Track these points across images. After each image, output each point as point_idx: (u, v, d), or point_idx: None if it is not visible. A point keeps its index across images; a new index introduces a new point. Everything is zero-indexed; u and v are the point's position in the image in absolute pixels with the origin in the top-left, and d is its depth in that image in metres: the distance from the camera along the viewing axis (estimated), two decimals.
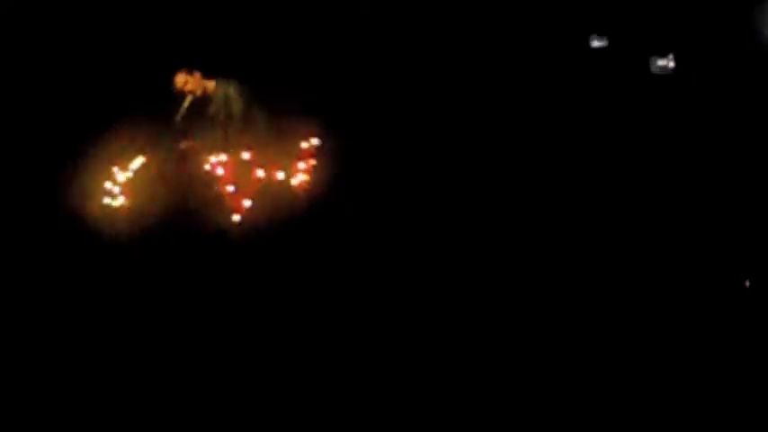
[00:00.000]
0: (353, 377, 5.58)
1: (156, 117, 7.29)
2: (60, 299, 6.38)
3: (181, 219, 6.90)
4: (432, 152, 7.24)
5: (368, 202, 6.94)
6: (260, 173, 6.83)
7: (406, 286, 6.28)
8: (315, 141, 7.12)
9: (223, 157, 6.93)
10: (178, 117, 7.19)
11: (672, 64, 7.83)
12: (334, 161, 7.04)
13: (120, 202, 7.04)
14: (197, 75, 7.16)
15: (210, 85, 7.20)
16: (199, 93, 7.17)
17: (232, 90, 7.19)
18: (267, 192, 6.83)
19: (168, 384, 5.64)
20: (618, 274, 6.27)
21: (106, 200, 7.04)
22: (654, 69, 7.81)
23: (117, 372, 5.75)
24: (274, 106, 7.22)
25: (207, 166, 6.92)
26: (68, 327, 6.16)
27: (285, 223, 6.72)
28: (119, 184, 7.09)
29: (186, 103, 7.17)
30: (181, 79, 7.14)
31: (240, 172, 6.85)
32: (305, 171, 6.99)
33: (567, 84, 7.65)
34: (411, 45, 7.73)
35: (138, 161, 7.19)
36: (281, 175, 6.83)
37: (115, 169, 7.11)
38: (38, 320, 6.21)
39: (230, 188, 6.80)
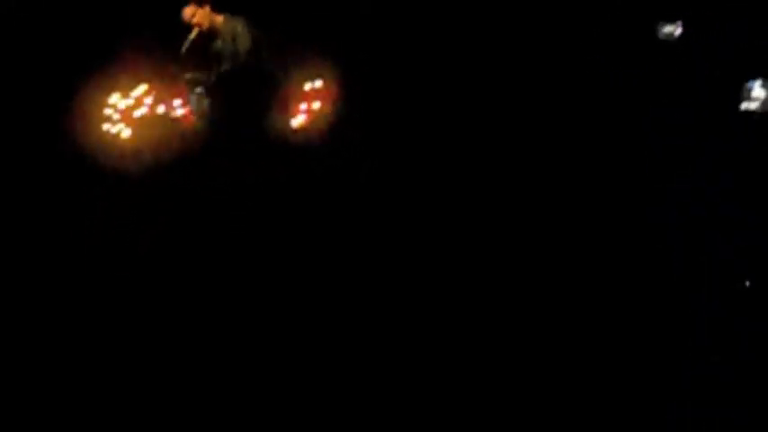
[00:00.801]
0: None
1: (162, 47, 7.26)
2: (59, 231, 6.37)
3: (178, 151, 6.91)
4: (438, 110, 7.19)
5: (368, 154, 6.92)
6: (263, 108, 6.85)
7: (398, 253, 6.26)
8: (318, 84, 7.12)
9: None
10: (183, 48, 7.15)
11: (679, 30, 7.74)
12: (337, 105, 7.02)
13: (119, 128, 7.04)
14: (206, 7, 7.11)
15: (219, 19, 7.15)
16: (206, 26, 7.13)
17: (240, 27, 7.14)
18: (266, 131, 6.84)
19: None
20: (618, 274, 6.24)
21: (105, 126, 7.06)
22: (660, 35, 7.71)
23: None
24: (281, 47, 7.20)
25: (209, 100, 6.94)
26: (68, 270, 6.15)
27: (282, 166, 6.72)
28: (119, 111, 7.10)
29: (192, 35, 7.13)
30: (189, 10, 7.09)
31: (242, 109, 6.87)
32: (306, 112, 6.98)
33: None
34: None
35: (141, 89, 7.19)
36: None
37: (116, 96, 7.13)
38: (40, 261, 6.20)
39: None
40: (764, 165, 6.56)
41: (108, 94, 7.19)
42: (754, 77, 6.84)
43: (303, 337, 5.61)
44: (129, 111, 7.12)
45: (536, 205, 6.56)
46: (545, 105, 7.14)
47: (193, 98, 7.10)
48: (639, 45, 7.31)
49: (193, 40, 7.14)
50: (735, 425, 5.04)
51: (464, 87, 7.24)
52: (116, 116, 7.12)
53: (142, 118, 7.12)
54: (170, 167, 6.82)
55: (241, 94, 7.07)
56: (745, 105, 6.82)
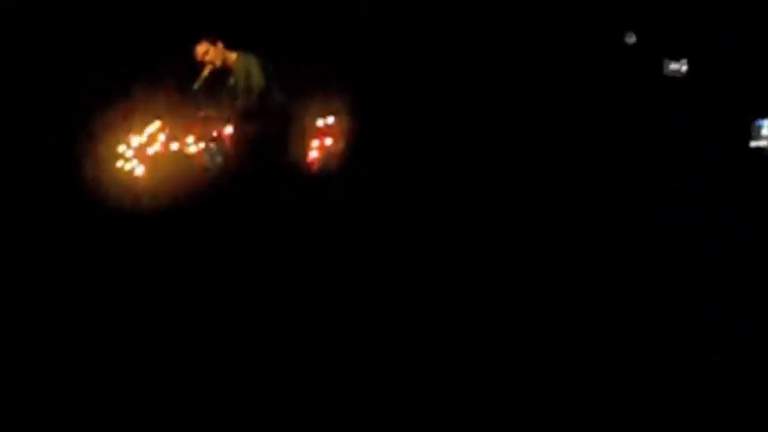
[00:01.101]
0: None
1: (175, 84, 7.32)
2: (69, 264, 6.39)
3: (192, 187, 6.94)
4: (444, 141, 7.24)
5: (378, 187, 6.95)
6: (274, 145, 6.90)
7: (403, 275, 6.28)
8: (330, 121, 7.17)
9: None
10: (196, 86, 7.21)
11: (685, 68, 7.82)
12: (349, 142, 7.07)
13: (132, 165, 7.07)
14: (219, 45, 7.17)
15: (232, 56, 7.22)
16: (219, 64, 7.19)
17: (253, 64, 7.20)
18: (279, 167, 6.88)
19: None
20: (617, 274, 6.28)
21: (119, 163, 7.10)
22: (667, 72, 7.78)
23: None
24: (294, 84, 7.26)
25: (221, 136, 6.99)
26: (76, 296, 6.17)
27: (293, 200, 6.74)
28: (132, 148, 7.14)
29: (205, 73, 7.19)
30: (202, 48, 7.15)
31: (255, 145, 6.92)
32: (319, 148, 7.04)
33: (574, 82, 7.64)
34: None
35: (154, 126, 7.23)
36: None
37: (129, 133, 7.17)
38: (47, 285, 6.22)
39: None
40: (764, 165, 6.65)
41: (121, 131, 7.23)
42: (763, 116, 6.97)
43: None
44: (142, 148, 7.16)
45: (536, 206, 6.66)
46: (546, 109, 7.25)
47: (207, 155, 7.14)
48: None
49: (206, 78, 7.21)
50: (735, 425, 5.00)
51: (474, 121, 7.31)
52: (129, 153, 7.17)
53: (156, 155, 7.15)
54: (183, 204, 6.85)
55: (254, 131, 7.12)
56: (754, 144, 6.92)
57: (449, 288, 6.14)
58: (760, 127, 6.88)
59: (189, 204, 6.84)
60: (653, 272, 6.19)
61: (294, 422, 5.32)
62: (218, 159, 7.07)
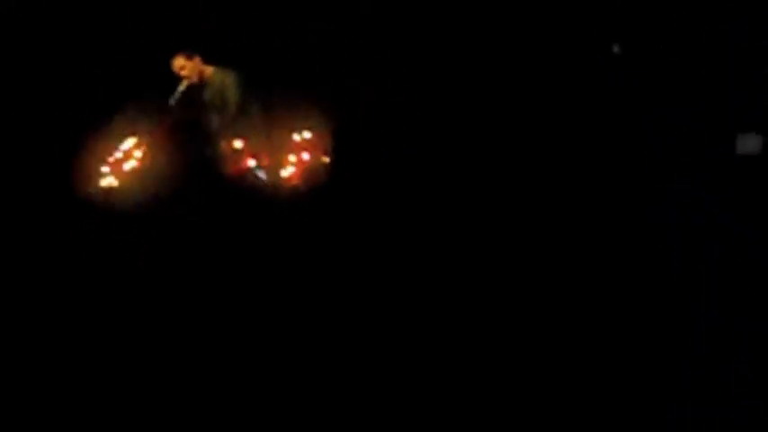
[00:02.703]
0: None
1: (150, 99, 7.29)
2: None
3: (168, 202, 6.90)
4: (429, 154, 7.22)
5: (357, 201, 6.93)
6: (251, 162, 6.85)
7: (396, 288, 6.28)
8: (307, 135, 7.14)
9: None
10: (172, 100, 7.17)
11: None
12: (326, 156, 7.04)
13: (108, 181, 7.03)
14: (196, 59, 7.14)
15: (208, 71, 7.19)
16: (195, 78, 7.16)
17: (229, 78, 7.18)
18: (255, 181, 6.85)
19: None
20: (617, 274, 6.19)
21: (95, 179, 7.06)
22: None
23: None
24: (271, 98, 7.24)
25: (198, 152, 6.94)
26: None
27: (269, 216, 6.71)
28: (108, 164, 7.10)
29: (182, 87, 7.16)
30: (179, 63, 7.12)
31: (231, 160, 6.88)
32: (295, 164, 6.99)
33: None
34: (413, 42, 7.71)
35: (129, 142, 7.19)
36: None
37: (106, 148, 7.13)
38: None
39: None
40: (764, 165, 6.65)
41: (97, 146, 7.19)
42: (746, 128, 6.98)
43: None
44: (118, 163, 7.12)
45: (536, 206, 6.65)
46: (547, 113, 7.22)
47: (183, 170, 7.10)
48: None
49: (183, 92, 7.18)
50: (735, 425, 5.00)
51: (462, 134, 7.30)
52: (106, 169, 7.12)
53: (132, 170, 7.11)
54: (158, 219, 6.82)
55: (229, 145, 7.09)
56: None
57: (447, 292, 6.08)
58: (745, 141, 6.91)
59: (166, 221, 6.82)
60: (653, 272, 6.14)
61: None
62: (196, 173, 7.05)
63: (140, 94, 7.36)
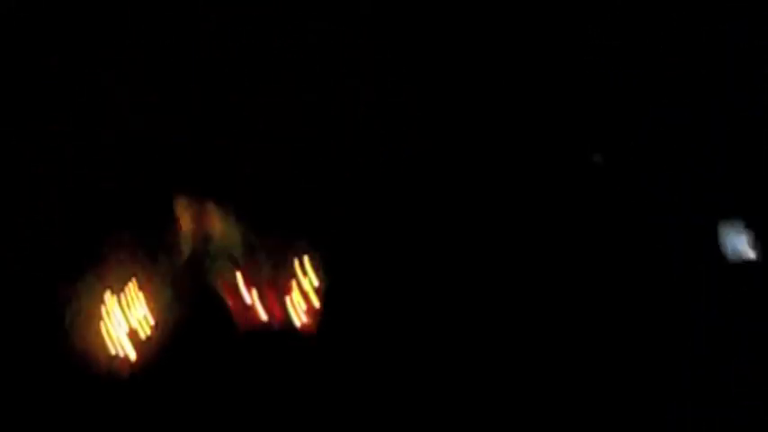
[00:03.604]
0: None
1: (148, 240, 7.26)
2: None
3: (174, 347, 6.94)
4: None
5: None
6: (262, 315, 6.87)
7: None
8: (306, 277, 7.20)
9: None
10: (171, 241, 7.17)
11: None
12: (341, 302, 6.97)
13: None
14: (195, 208, 7.13)
15: (209, 216, 7.20)
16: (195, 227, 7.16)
17: (228, 222, 7.19)
18: (268, 333, 6.90)
19: None
20: (617, 274, 6.29)
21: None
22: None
23: None
24: (270, 242, 7.25)
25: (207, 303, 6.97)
26: None
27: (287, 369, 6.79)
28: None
29: (182, 230, 7.16)
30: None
31: (242, 313, 6.92)
32: (307, 313, 6.97)
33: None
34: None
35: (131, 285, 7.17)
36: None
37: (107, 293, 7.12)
38: None
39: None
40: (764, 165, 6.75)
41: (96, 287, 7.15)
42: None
43: None
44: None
45: (536, 206, 6.67)
46: (547, 113, 7.15)
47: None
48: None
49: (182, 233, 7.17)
50: (735, 425, 5.23)
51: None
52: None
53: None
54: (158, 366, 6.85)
55: (228, 289, 7.12)
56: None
57: (447, 292, 6.20)
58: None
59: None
60: (653, 272, 6.25)
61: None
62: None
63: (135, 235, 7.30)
